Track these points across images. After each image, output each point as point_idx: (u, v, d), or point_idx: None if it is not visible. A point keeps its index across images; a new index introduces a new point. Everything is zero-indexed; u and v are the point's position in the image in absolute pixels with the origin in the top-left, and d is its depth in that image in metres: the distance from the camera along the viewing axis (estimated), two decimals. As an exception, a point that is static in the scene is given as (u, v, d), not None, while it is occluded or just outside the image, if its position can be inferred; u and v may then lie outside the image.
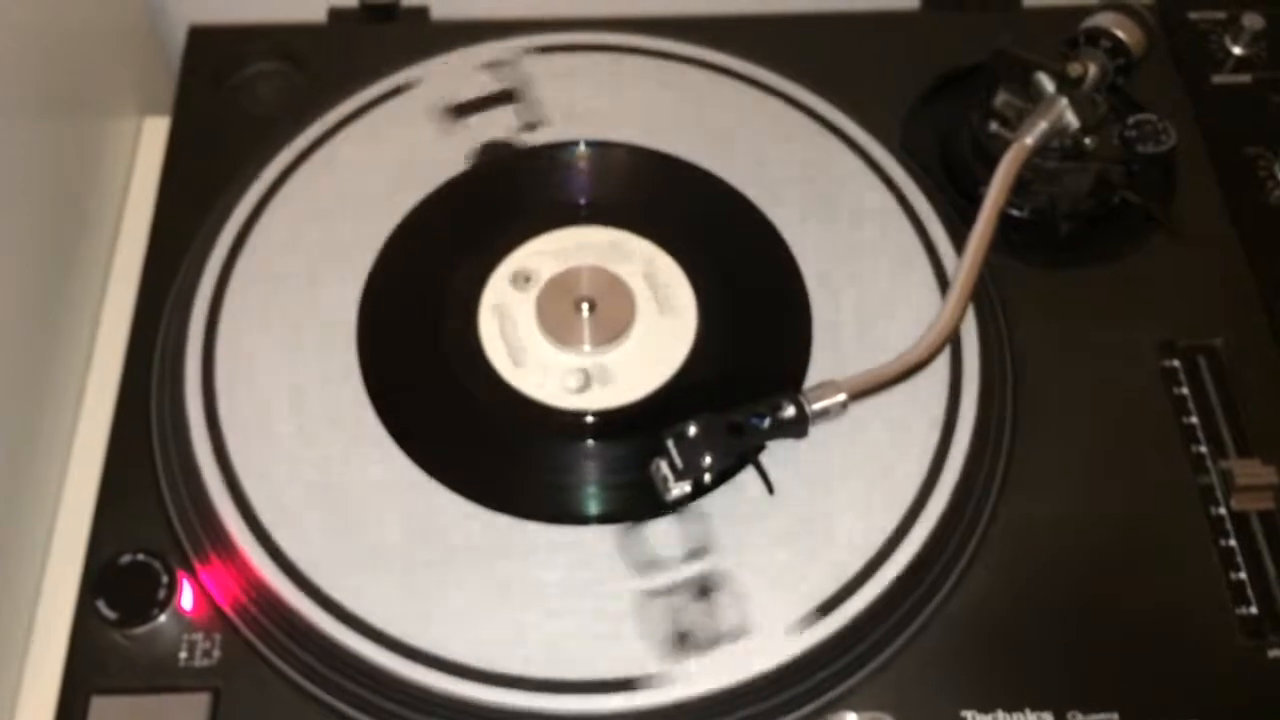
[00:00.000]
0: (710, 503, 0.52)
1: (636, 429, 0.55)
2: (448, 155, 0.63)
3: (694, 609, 0.50)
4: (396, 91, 0.65)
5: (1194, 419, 0.57)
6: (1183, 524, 0.54)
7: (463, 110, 0.64)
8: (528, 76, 0.66)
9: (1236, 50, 0.68)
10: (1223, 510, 0.54)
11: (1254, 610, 0.52)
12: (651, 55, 0.67)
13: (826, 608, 0.50)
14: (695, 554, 0.51)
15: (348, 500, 0.53)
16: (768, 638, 0.49)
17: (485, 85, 0.65)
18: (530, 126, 0.64)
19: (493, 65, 0.66)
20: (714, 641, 0.50)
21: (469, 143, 0.63)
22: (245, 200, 0.61)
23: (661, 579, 0.51)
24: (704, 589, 0.51)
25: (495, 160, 0.63)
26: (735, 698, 0.49)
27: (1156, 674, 0.51)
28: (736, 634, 0.50)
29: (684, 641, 0.50)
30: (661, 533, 0.52)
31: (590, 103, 0.65)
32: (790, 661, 0.49)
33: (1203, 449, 0.56)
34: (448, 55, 0.66)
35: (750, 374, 0.57)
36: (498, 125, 0.64)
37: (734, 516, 0.52)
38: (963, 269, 0.56)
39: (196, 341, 0.57)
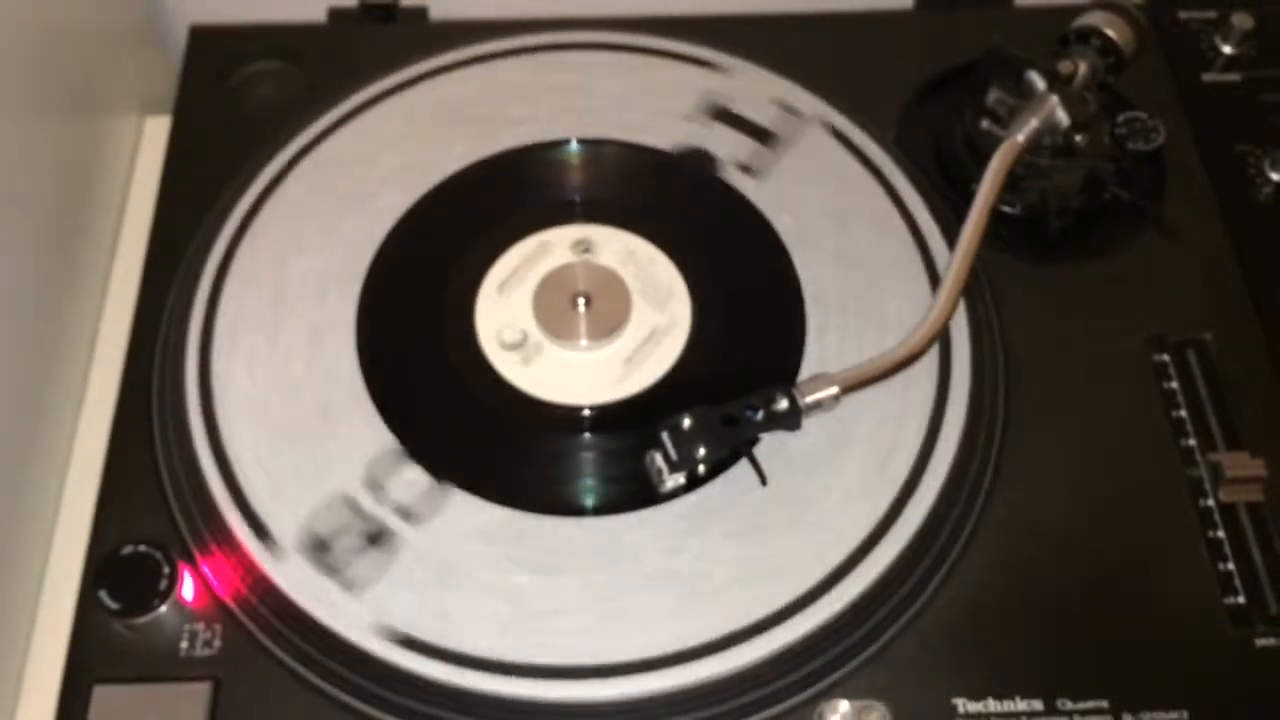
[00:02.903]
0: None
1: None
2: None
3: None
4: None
5: (1183, 412, 0.57)
6: (1172, 515, 0.55)
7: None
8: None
9: (1226, 49, 0.69)
10: (1211, 502, 0.55)
11: (1241, 600, 0.53)
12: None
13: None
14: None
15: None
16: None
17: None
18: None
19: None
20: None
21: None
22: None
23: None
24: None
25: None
26: (729, 686, 0.49)
27: (1145, 662, 0.51)
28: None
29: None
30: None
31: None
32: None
33: (1192, 442, 0.56)
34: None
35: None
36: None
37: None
38: (954, 264, 0.57)
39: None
